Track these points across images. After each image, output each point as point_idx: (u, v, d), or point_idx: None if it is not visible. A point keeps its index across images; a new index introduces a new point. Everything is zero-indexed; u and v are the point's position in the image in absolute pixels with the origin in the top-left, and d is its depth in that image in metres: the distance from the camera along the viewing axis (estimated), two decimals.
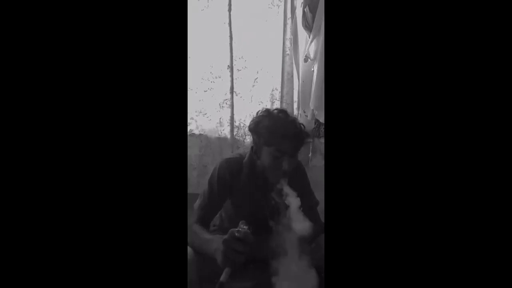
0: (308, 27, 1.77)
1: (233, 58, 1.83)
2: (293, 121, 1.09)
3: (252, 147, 1.14)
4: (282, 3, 1.87)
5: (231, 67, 1.83)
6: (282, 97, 1.93)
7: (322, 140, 1.86)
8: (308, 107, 1.84)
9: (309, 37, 1.78)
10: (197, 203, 1.14)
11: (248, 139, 1.88)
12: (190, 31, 1.68)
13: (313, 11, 1.74)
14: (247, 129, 1.21)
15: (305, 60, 1.83)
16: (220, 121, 1.89)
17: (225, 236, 0.81)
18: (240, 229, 0.81)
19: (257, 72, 1.90)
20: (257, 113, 1.13)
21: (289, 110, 1.24)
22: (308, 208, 1.00)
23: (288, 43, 1.90)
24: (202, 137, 1.88)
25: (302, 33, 1.85)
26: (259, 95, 1.92)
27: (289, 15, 1.87)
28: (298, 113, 1.91)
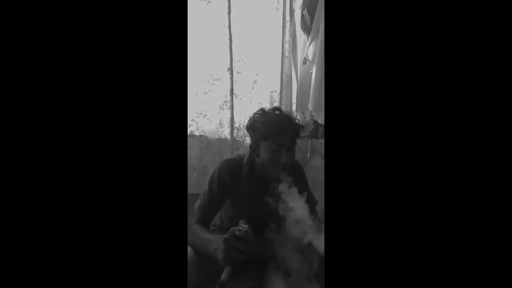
0: (307, 29, 1.78)
1: (233, 60, 1.84)
2: (287, 116, 1.13)
3: (250, 146, 1.16)
4: (281, 6, 1.88)
5: (231, 70, 1.84)
6: (281, 99, 1.94)
7: (321, 141, 1.87)
8: (306, 108, 1.86)
9: (308, 40, 1.80)
10: (197, 204, 1.16)
11: (248, 140, 1.89)
12: (190, 33, 1.70)
13: (311, 13, 1.75)
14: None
15: (304, 63, 1.85)
16: (220, 122, 1.91)
17: (226, 235, 0.81)
18: (241, 228, 0.81)
19: (257, 74, 1.92)
20: (254, 113, 1.16)
21: (287, 111, 1.26)
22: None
23: (287, 46, 1.91)
24: (203, 138, 1.90)
25: (300, 35, 1.87)
26: (258, 97, 1.94)
27: (288, 17, 1.89)
28: (297, 114, 1.92)
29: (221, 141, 1.91)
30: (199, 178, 1.89)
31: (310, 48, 1.79)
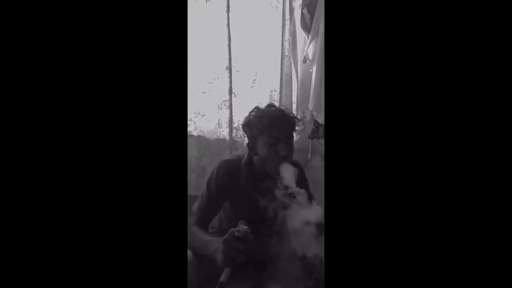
0: (307, 28, 1.78)
1: (232, 59, 1.84)
2: (281, 110, 1.14)
3: (248, 144, 1.16)
4: (281, 5, 1.88)
5: (229, 69, 1.84)
6: (281, 98, 1.94)
7: (321, 141, 1.87)
8: (307, 108, 1.86)
9: (308, 38, 1.80)
10: (195, 205, 1.15)
11: (247, 140, 1.89)
12: (188, 32, 1.69)
13: (311, 12, 1.76)
14: None
15: (304, 61, 1.85)
16: (218, 122, 1.91)
17: (225, 236, 0.82)
18: (240, 229, 0.82)
19: (256, 74, 1.92)
20: (249, 112, 1.17)
21: (288, 109, 1.26)
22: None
23: (286, 45, 1.91)
24: (201, 139, 1.89)
25: (300, 34, 1.87)
26: (258, 96, 1.94)
27: (287, 16, 1.89)
28: (297, 114, 1.92)
29: (219, 141, 1.91)
30: (197, 179, 1.88)
31: (310, 47, 1.79)
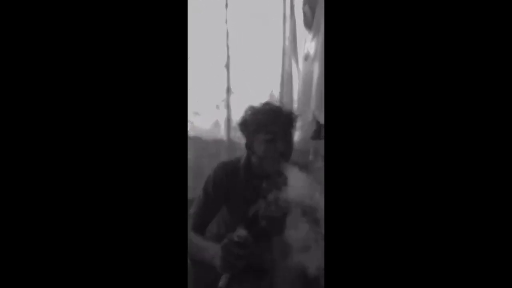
0: (308, 25, 1.78)
1: (230, 57, 1.82)
2: (278, 106, 1.14)
3: (246, 144, 1.14)
4: (281, 1, 1.86)
5: (227, 67, 1.82)
6: (281, 97, 1.93)
7: (323, 142, 1.86)
8: (308, 107, 1.84)
9: (310, 36, 1.79)
10: (191, 209, 1.14)
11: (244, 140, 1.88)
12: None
13: (313, 8, 1.75)
14: None
15: (306, 59, 1.84)
16: (216, 122, 1.88)
17: (224, 241, 0.82)
18: (240, 234, 0.82)
19: (255, 72, 1.90)
20: (245, 111, 1.17)
21: (287, 107, 1.25)
22: None
23: (287, 42, 1.90)
24: (198, 139, 1.88)
25: (301, 32, 1.85)
26: (257, 95, 1.92)
27: (288, 12, 1.87)
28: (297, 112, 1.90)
29: (217, 142, 1.89)
30: (194, 181, 1.86)
31: (312, 45, 1.78)
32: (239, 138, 1.91)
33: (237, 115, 1.89)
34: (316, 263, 0.86)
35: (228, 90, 1.85)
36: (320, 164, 1.86)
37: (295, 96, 1.94)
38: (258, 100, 1.88)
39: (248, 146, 1.13)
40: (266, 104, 1.16)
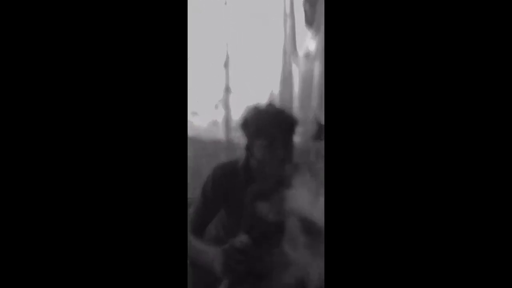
0: (309, 22, 1.78)
1: (230, 56, 1.82)
2: (280, 110, 1.13)
3: (246, 146, 1.14)
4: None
5: (227, 65, 1.82)
6: (281, 96, 1.93)
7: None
8: (309, 107, 1.84)
9: (310, 34, 1.79)
10: (190, 211, 1.14)
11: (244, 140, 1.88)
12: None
13: (313, 6, 1.75)
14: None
15: (306, 57, 1.84)
16: (215, 122, 1.88)
17: (225, 246, 0.81)
18: (241, 239, 0.82)
19: (255, 71, 1.90)
20: (246, 110, 1.15)
21: (288, 111, 1.25)
22: None
23: (287, 40, 1.90)
24: (196, 139, 1.87)
25: (302, 30, 1.85)
26: (257, 95, 1.91)
27: (288, 10, 1.87)
28: (298, 113, 1.91)
29: (216, 142, 1.89)
30: (192, 182, 1.86)
31: (312, 43, 1.78)
32: (238, 138, 1.92)
33: (236, 115, 1.90)
34: (317, 271, 0.86)
35: (227, 90, 1.85)
36: (322, 164, 1.87)
37: (295, 96, 1.94)
38: (257, 99, 1.90)
39: (248, 147, 1.13)
40: (269, 106, 1.16)
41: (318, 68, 1.76)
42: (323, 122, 1.80)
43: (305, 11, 1.78)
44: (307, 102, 1.87)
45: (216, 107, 1.87)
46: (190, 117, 1.86)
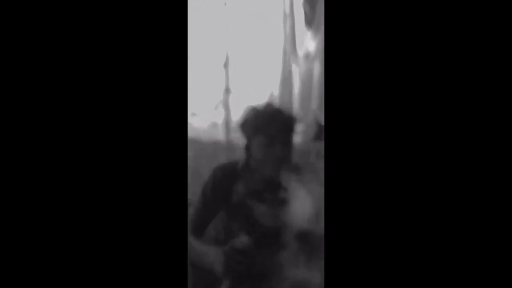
0: (309, 22, 1.78)
1: (229, 57, 1.82)
2: (279, 109, 1.13)
3: (245, 146, 1.15)
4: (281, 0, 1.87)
5: (226, 66, 1.82)
6: (281, 97, 1.93)
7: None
8: (309, 107, 1.85)
9: (310, 34, 1.79)
10: (190, 211, 1.14)
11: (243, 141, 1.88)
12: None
13: (313, 6, 1.75)
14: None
15: (306, 57, 1.84)
16: (215, 123, 1.89)
17: (225, 247, 0.81)
18: (242, 240, 0.82)
19: (255, 72, 1.90)
20: (245, 111, 1.15)
21: (287, 111, 1.25)
22: None
23: (287, 41, 1.90)
24: (196, 140, 1.88)
25: (302, 30, 1.85)
26: (257, 95, 1.92)
27: (288, 11, 1.88)
28: (298, 114, 1.91)
29: (215, 143, 1.89)
30: (192, 183, 1.86)
31: (312, 43, 1.78)
32: (238, 139, 1.92)
33: (236, 116, 1.90)
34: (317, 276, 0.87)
35: (227, 90, 1.85)
36: (322, 165, 1.87)
37: (295, 96, 1.94)
38: (257, 100, 1.90)
39: (248, 148, 1.14)
40: (268, 105, 1.16)
41: (318, 69, 1.76)
42: (323, 122, 1.81)
43: (305, 11, 1.78)
44: (307, 102, 1.87)
45: (216, 108, 1.87)
46: (189, 119, 1.86)
